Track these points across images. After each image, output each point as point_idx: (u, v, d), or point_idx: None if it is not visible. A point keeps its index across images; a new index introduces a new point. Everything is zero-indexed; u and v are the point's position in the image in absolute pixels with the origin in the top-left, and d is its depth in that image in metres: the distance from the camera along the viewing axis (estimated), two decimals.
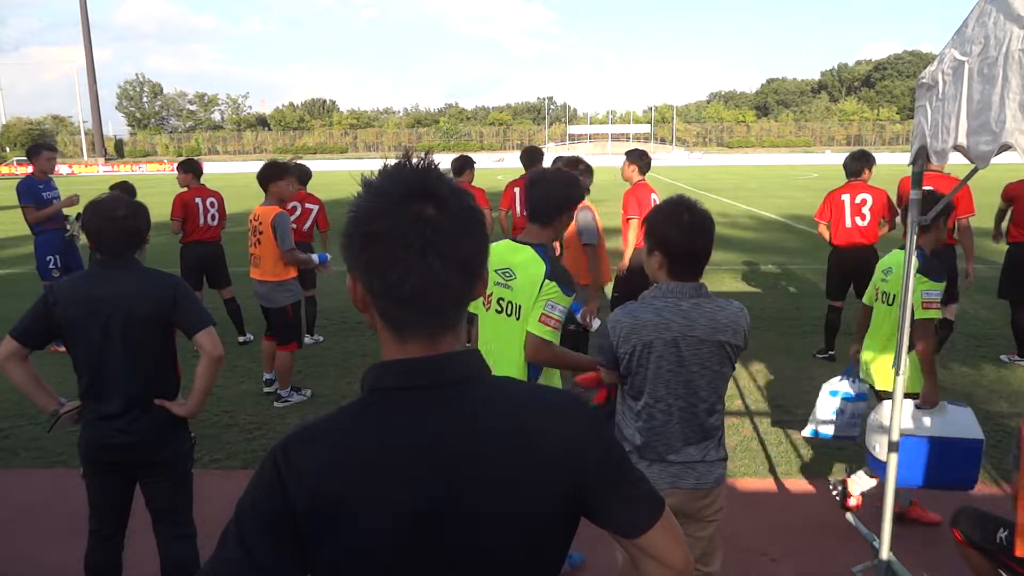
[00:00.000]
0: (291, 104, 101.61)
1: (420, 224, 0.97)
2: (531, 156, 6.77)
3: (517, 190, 6.56)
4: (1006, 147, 1.93)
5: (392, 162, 1.03)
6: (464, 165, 7.12)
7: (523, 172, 6.70)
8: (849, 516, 3.34)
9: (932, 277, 3.52)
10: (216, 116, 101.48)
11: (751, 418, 5.25)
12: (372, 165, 1.07)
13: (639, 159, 6.45)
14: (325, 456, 0.99)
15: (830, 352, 6.59)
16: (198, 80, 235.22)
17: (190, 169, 7.25)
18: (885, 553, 2.79)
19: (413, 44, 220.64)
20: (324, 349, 7.12)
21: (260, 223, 5.33)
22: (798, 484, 4.29)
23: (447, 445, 1.01)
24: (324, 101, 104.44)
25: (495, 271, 2.83)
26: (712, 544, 2.52)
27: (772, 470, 4.45)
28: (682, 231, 2.29)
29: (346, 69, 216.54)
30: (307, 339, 7.19)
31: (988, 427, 4.94)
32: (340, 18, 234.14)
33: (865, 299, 4.13)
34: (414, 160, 1.03)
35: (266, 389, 5.82)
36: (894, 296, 3.69)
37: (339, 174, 47.51)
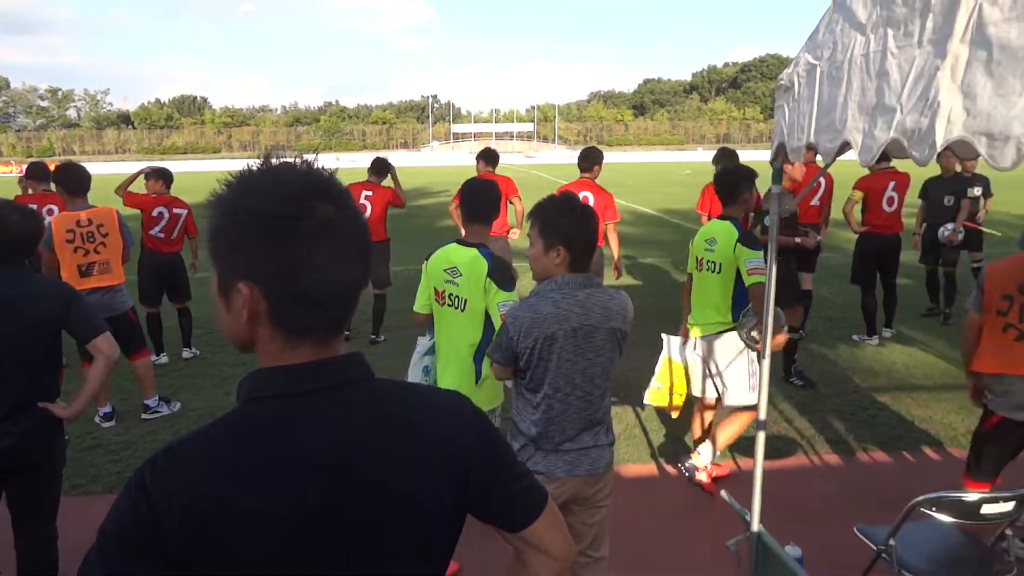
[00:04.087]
0: (158, 101, 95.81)
1: (327, 224, 0.96)
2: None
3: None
4: (846, 144, 2.09)
5: (276, 162, 1.00)
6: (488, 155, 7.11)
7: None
8: (723, 494, 3.52)
9: (751, 247, 3.80)
10: (72, 113, 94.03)
11: (633, 406, 5.44)
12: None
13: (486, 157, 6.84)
14: (198, 472, 0.94)
15: None
16: (52, 74, 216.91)
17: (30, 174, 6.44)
18: (755, 525, 2.96)
19: (291, 40, 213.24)
20: (198, 360, 6.75)
21: (102, 224, 5.01)
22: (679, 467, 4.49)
23: (333, 451, 0.99)
24: (195, 98, 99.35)
25: (443, 270, 3.11)
26: (602, 529, 2.60)
27: (654, 455, 4.63)
28: (579, 225, 2.39)
29: (219, 65, 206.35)
30: (185, 352, 6.82)
31: (844, 401, 5.38)
32: (214, 12, 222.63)
33: (689, 268, 4.29)
34: (292, 160, 1.01)
35: (105, 424, 5.20)
36: (720, 264, 3.95)
37: (213, 175, 44.60)
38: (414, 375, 3.41)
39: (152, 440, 4.89)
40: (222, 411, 1.01)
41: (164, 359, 6.64)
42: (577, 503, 2.52)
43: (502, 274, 2.98)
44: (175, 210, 6.45)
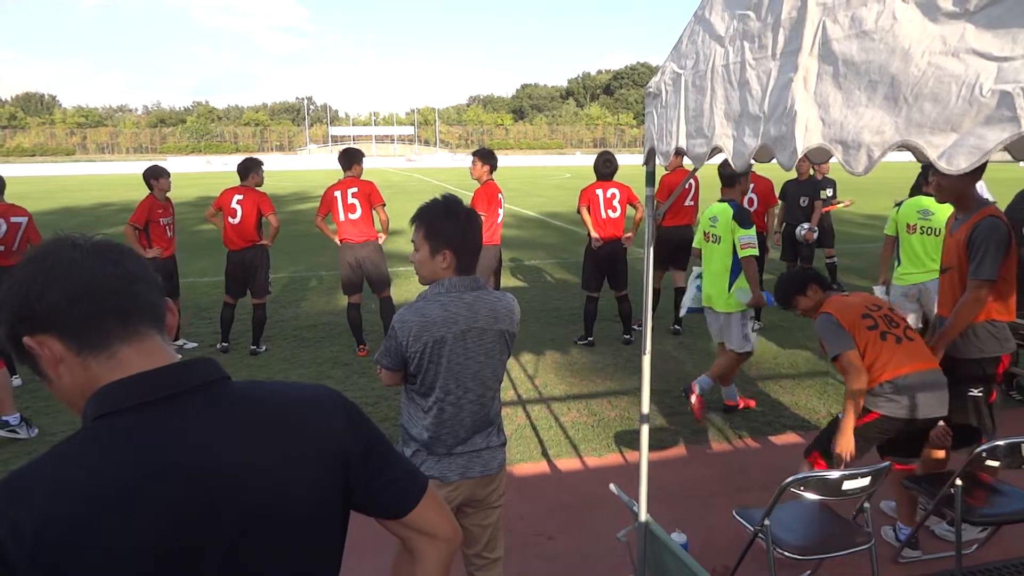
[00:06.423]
0: None
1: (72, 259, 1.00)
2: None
3: None
4: (717, 149, 2.21)
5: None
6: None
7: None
8: (612, 487, 3.64)
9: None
10: None
11: (523, 406, 5.52)
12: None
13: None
14: (47, 502, 0.87)
15: (589, 339, 7.11)
16: None
17: None
18: (643, 515, 3.08)
19: (151, 36, 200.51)
20: None
21: None
22: (569, 463, 4.59)
23: (202, 458, 0.95)
24: (42, 96, 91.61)
25: (708, 218, 5.13)
26: (497, 530, 2.61)
27: (545, 453, 4.72)
28: (465, 228, 2.39)
29: (69, 61, 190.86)
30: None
31: (720, 391, 5.69)
32: (59, 4, 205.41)
33: (891, 231, 5.47)
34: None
35: None
36: (939, 230, 5.08)
37: (67, 179, 41.76)
38: (690, 287, 5.34)
39: (3, 469, 4.45)
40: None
41: (18, 381, 6.04)
42: (471, 505, 2.53)
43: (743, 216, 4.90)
44: (13, 219, 5.81)
